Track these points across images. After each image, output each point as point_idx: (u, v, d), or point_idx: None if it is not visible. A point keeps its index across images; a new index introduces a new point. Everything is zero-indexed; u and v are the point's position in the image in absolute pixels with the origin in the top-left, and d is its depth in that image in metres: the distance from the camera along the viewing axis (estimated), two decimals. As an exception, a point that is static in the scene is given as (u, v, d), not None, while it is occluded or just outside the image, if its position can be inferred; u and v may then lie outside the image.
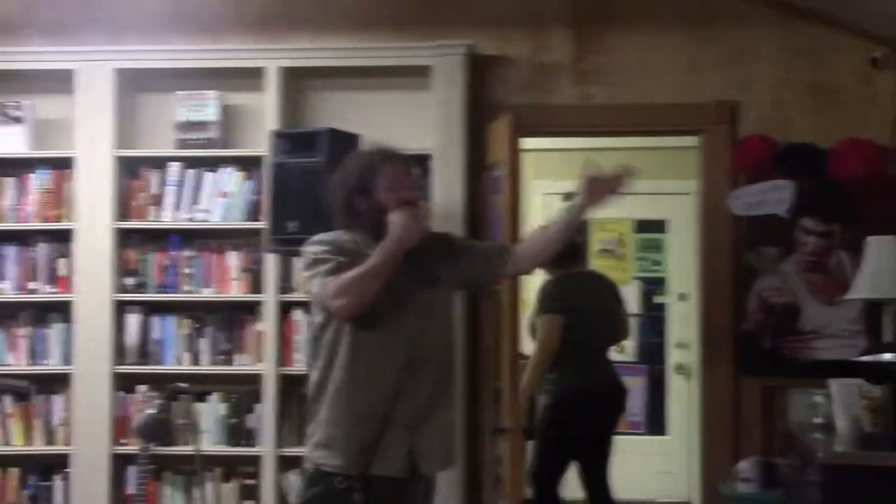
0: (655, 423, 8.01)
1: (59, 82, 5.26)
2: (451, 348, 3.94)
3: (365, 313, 3.67)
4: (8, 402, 5.32)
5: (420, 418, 3.74)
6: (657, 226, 8.07)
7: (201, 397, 5.22)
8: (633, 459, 7.78)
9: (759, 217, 5.25)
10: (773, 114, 5.29)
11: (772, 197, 5.25)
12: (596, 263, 7.81)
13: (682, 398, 7.87)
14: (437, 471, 3.86)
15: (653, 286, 8.10)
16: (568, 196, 7.33)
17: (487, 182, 5.15)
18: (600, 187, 3.89)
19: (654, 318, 8.07)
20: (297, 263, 4.17)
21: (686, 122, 5.41)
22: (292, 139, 4.83)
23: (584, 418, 5.62)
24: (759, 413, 5.25)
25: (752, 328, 5.26)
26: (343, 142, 4.59)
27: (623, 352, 7.87)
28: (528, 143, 5.16)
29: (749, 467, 5.02)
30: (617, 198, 3.90)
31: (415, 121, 5.19)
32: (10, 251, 5.32)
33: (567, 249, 5.53)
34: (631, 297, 7.87)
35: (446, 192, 5.03)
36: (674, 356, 7.98)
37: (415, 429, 3.72)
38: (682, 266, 7.77)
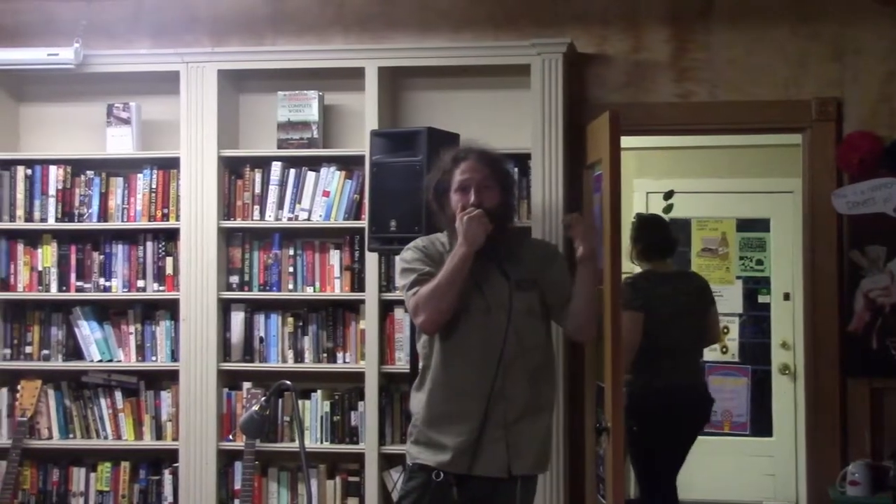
0: (760, 424, 7.88)
1: (165, 84, 5.36)
2: (548, 349, 3.93)
3: (453, 319, 3.71)
4: (119, 398, 5.43)
5: (515, 419, 3.74)
6: (760, 224, 7.95)
7: (305, 395, 5.27)
8: (738, 461, 7.71)
9: (864, 215, 5.14)
10: (878, 110, 5.18)
11: (878, 195, 5.14)
12: (697, 263, 7.75)
13: (788, 399, 7.74)
14: (532, 471, 3.86)
15: (756, 285, 7.97)
16: (668, 194, 7.31)
17: (588, 181, 5.13)
18: (581, 229, 3.89)
19: (757, 318, 7.95)
20: (397, 262, 4.21)
21: (789, 120, 5.32)
22: (392, 139, 4.85)
23: (653, 423, 5.39)
24: (867, 415, 5.14)
25: (858, 328, 5.16)
26: (442, 141, 4.59)
27: (726, 352, 7.80)
28: (628, 141, 5.12)
29: (857, 470, 4.92)
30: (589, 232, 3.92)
31: (514, 120, 5.19)
32: (119, 250, 5.43)
33: (656, 244, 5.65)
34: (734, 297, 7.79)
35: (546, 191, 5.02)
36: (778, 356, 7.85)
37: (510, 429, 3.73)
38: (785, 265, 7.66)
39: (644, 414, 5.36)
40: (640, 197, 7.81)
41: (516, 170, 5.07)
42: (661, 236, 5.76)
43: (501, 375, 3.73)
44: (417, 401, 3.90)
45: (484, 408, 3.72)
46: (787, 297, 7.75)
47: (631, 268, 5.84)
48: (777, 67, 5.25)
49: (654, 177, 7.79)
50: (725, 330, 7.08)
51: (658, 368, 5.43)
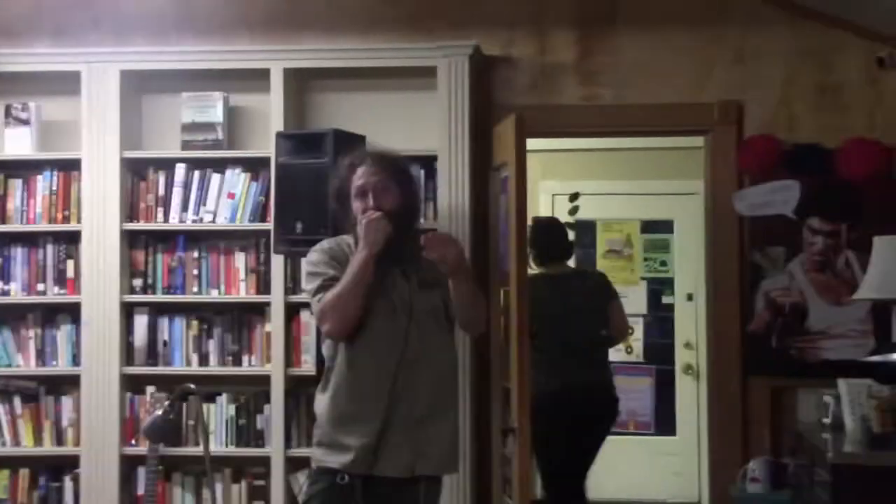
0: (664, 423, 8.00)
1: (66, 84, 5.27)
2: (451, 350, 3.95)
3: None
4: (17, 403, 5.32)
5: (418, 419, 3.75)
6: (664, 226, 8.06)
7: (210, 398, 5.21)
8: (642, 460, 7.80)
9: (765, 217, 5.25)
10: (778, 113, 5.29)
11: (778, 197, 5.25)
12: (602, 264, 7.83)
13: (691, 398, 7.86)
14: (435, 472, 3.87)
15: (660, 286, 8.08)
16: (574, 196, 7.37)
17: (494, 183, 5.16)
18: (436, 249, 3.75)
19: (661, 319, 8.06)
20: (304, 265, 4.20)
21: (692, 122, 5.42)
22: (298, 140, 4.83)
23: (551, 423, 5.34)
24: (768, 413, 5.25)
25: (759, 328, 5.25)
26: (348, 143, 4.59)
27: (630, 352, 7.90)
28: (534, 143, 5.16)
29: (758, 467, 5.00)
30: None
31: (420, 121, 5.19)
32: (18, 253, 5.32)
33: (550, 249, 5.71)
34: (638, 298, 7.89)
35: (453, 192, 5.03)
36: (682, 356, 7.97)
37: (414, 430, 3.74)
38: (689, 266, 7.77)
39: (542, 413, 5.17)
40: (546, 199, 7.87)
41: (423, 171, 5.08)
42: (555, 240, 5.86)
43: (403, 376, 3.74)
44: (321, 402, 3.89)
45: (387, 408, 3.73)
46: (690, 297, 7.86)
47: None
48: (681, 71, 5.33)
49: (560, 179, 7.85)
50: (631, 330, 7.15)
51: (554, 369, 5.45)
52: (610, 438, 5.86)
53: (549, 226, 6.01)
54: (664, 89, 5.34)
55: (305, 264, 4.00)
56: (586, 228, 7.93)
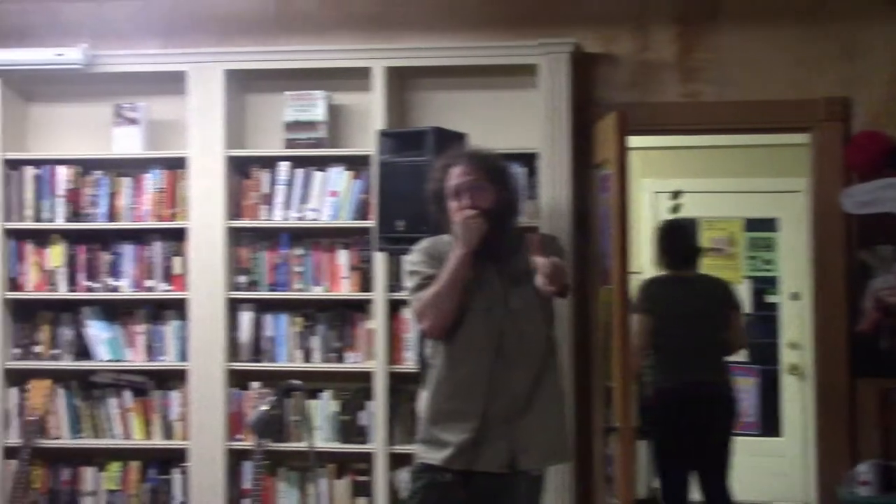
0: (769, 424, 7.89)
1: (173, 83, 5.37)
2: (549, 342, 3.95)
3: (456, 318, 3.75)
4: (128, 398, 5.44)
5: (518, 413, 3.76)
6: (768, 224, 7.95)
7: (313, 394, 5.27)
8: (747, 460, 7.66)
9: (873, 215, 5.13)
10: (887, 110, 5.17)
11: (886, 194, 5.13)
12: (706, 263, 7.73)
13: (797, 399, 7.74)
14: (539, 466, 3.88)
15: (764, 285, 7.97)
16: (676, 194, 7.31)
17: (595, 181, 5.13)
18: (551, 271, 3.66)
19: (765, 318, 7.94)
20: (404, 264, 4.24)
21: (797, 119, 5.31)
22: (399, 138, 4.86)
23: (669, 420, 5.59)
24: (877, 415, 5.13)
25: (867, 328, 5.15)
26: (449, 141, 4.60)
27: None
28: (635, 141, 5.12)
29: (867, 470, 4.91)
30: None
31: (521, 119, 5.20)
32: (128, 250, 5.44)
33: (680, 251, 5.77)
34: (742, 297, 7.78)
35: (553, 190, 5.02)
36: (787, 356, 7.85)
37: (513, 424, 3.75)
38: (794, 265, 7.65)
39: (657, 410, 5.64)
40: (647, 197, 7.81)
41: (523, 170, 5.08)
42: (683, 243, 5.92)
43: (500, 372, 3.76)
44: (423, 400, 3.93)
45: (484, 404, 3.74)
46: (795, 296, 7.74)
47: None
48: (785, 67, 5.25)
49: (661, 177, 7.79)
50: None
51: (669, 368, 5.64)
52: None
53: (678, 229, 6.08)
54: (768, 86, 5.25)
55: (405, 264, 4.04)
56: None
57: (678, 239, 5.93)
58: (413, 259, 3.97)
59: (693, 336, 5.64)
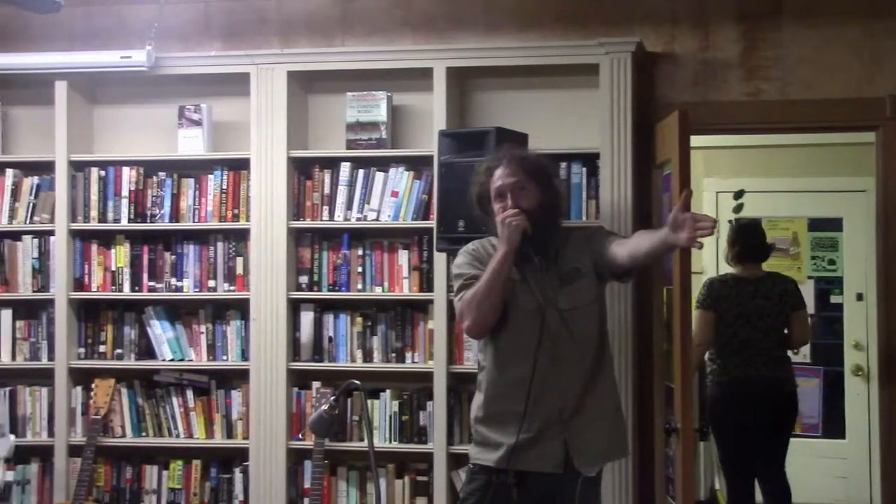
0: (832, 425, 7.80)
1: (235, 85, 5.41)
2: (601, 339, 3.93)
3: (504, 319, 3.77)
4: (190, 397, 5.49)
5: (571, 413, 3.75)
6: (832, 224, 7.86)
7: (374, 394, 5.29)
8: (809, 462, 7.61)
9: (941, 214, 5.07)
10: (954, 107, 5.10)
11: (953, 193, 5.07)
12: (768, 262, 7.65)
13: (861, 401, 7.65)
14: (595, 464, 3.86)
15: (828, 286, 7.88)
16: (739, 194, 7.25)
17: (657, 180, 5.10)
18: (685, 225, 3.44)
19: (829, 319, 7.85)
20: (453, 265, 4.26)
21: (861, 118, 5.24)
22: (460, 139, 4.86)
23: (732, 415, 5.85)
24: (943, 417, 5.08)
25: (933, 329, 5.08)
26: (510, 141, 4.58)
27: (797, 353, 7.70)
28: (697, 140, 5.09)
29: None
30: (700, 240, 3.44)
31: (582, 119, 5.18)
32: (191, 250, 5.49)
33: (748, 250, 5.95)
34: (806, 297, 7.68)
35: (615, 190, 5.00)
36: (851, 357, 7.76)
37: (567, 423, 3.74)
38: (858, 265, 7.57)
39: (714, 404, 5.91)
40: (709, 197, 7.76)
41: (584, 169, 5.07)
42: (753, 242, 6.07)
43: (554, 371, 3.75)
44: (476, 401, 3.94)
45: (533, 404, 3.74)
46: (860, 297, 7.65)
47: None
48: (849, 65, 5.18)
49: (723, 176, 7.73)
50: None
51: (729, 363, 5.84)
52: (776, 440, 5.95)
53: (749, 228, 6.29)
54: (832, 84, 5.20)
55: (453, 266, 4.06)
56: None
57: (749, 238, 6.08)
58: (458, 261, 4.00)
59: (756, 333, 5.81)
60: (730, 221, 7.17)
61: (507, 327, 3.84)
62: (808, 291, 7.71)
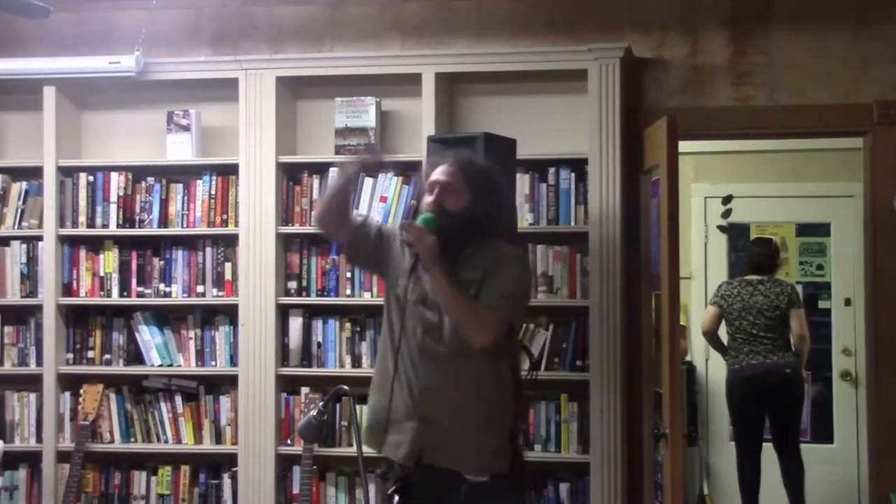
0: (821, 431, 7.81)
1: (224, 91, 5.40)
2: (480, 354, 3.77)
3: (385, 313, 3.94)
4: (179, 402, 5.48)
5: (428, 409, 3.76)
6: (820, 229, 7.87)
7: (363, 400, 5.25)
8: (798, 467, 7.62)
9: (927, 219, 5.09)
10: (941, 112, 5.12)
11: (941, 198, 5.12)
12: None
13: (849, 406, 7.66)
14: (451, 466, 3.75)
15: (816, 291, 7.90)
16: (727, 199, 7.27)
17: (645, 186, 5.11)
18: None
19: (817, 324, 7.85)
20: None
21: (849, 123, 5.27)
22: (449, 144, 4.83)
23: (740, 394, 6.81)
24: (931, 422, 5.09)
25: (921, 334, 5.10)
26: (499, 147, 4.59)
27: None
28: (685, 146, 5.10)
29: (920, 478, 4.94)
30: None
31: (570, 124, 5.19)
32: (179, 255, 5.48)
33: (758, 261, 6.92)
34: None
35: (603, 196, 5.00)
36: (839, 363, 7.77)
37: (424, 420, 3.76)
38: (846, 270, 7.58)
39: (729, 387, 6.89)
40: (697, 202, 7.77)
41: (573, 175, 5.08)
42: (765, 256, 6.92)
43: (410, 366, 3.79)
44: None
45: (393, 396, 3.80)
46: (848, 302, 7.67)
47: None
48: (838, 70, 5.20)
49: (712, 181, 7.74)
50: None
51: (737, 352, 6.81)
52: (764, 446, 6.66)
53: (761, 243, 7.14)
54: (820, 90, 5.22)
55: None
56: (739, 232, 7.80)
57: (758, 251, 6.98)
58: None
59: (757, 326, 6.70)
60: (718, 227, 7.43)
61: (383, 323, 3.96)
62: (795, 297, 7.74)
